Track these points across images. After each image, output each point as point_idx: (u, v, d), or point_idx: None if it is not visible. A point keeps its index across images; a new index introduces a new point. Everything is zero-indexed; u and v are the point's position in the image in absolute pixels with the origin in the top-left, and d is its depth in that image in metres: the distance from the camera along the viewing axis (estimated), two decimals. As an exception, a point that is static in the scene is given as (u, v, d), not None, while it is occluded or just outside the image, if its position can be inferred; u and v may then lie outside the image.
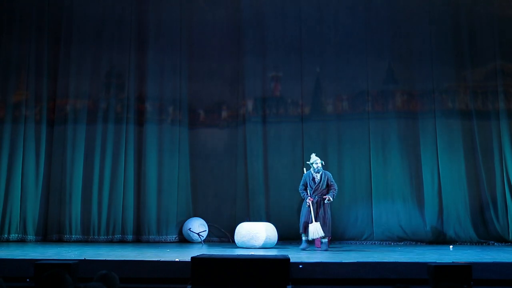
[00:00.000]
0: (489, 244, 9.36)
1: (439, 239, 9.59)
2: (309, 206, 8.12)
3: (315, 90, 10.41)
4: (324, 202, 8.14)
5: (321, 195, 8.22)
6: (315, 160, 8.41)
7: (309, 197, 8.20)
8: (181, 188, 10.26)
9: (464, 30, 10.12)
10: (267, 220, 9.56)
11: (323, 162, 8.45)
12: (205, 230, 9.90)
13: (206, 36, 10.66)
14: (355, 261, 6.06)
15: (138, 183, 10.18)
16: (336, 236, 9.47)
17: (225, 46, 10.65)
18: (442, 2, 10.28)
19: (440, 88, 10.09)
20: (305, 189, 8.38)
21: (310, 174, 8.39)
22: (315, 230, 7.95)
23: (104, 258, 6.38)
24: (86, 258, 5.99)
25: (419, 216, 9.81)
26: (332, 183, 8.35)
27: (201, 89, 10.60)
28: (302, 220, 8.24)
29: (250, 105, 10.46)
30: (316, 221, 8.04)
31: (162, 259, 6.26)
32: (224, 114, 10.58)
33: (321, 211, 8.13)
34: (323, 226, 7.99)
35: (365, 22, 10.38)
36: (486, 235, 9.57)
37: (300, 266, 5.59)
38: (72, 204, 9.93)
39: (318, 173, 8.34)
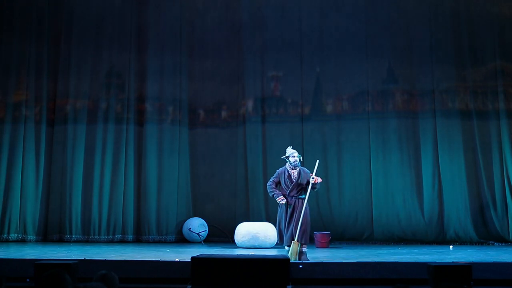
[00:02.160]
0: (489, 244, 9.36)
1: (439, 239, 9.60)
2: (285, 209, 6.91)
3: (315, 90, 10.41)
4: (302, 204, 6.88)
5: (299, 195, 7.00)
6: (292, 153, 7.19)
7: (279, 197, 6.97)
8: (181, 188, 10.26)
9: (464, 30, 10.12)
10: (267, 220, 9.56)
11: (301, 157, 7.30)
12: (205, 230, 9.90)
13: (206, 36, 10.67)
14: (355, 261, 6.06)
15: (138, 183, 10.18)
16: (336, 236, 9.48)
17: (225, 46, 10.65)
18: (442, 2, 10.28)
19: (440, 88, 10.09)
20: (276, 187, 7.18)
21: (286, 171, 7.15)
22: (294, 252, 6.64)
23: (104, 258, 6.38)
24: (86, 258, 5.98)
25: (419, 216, 9.81)
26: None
27: (201, 89, 10.60)
28: (280, 227, 6.98)
29: (250, 105, 10.46)
30: (291, 224, 6.82)
31: (162, 259, 6.26)
32: (224, 114, 10.58)
33: (298, 214, 6.85)
34: (302, 233, 6.75)
35: (365, 22, 10.38)
36: (486, 235, 9.57)
37: (300, 266, 5.60)
38: (72, 204, 9.93)
39: (295, 169, 7.11)
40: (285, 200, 6.93)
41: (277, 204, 7.04)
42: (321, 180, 7.09)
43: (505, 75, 9.97)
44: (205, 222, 9.97)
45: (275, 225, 8.24)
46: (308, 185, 6.96)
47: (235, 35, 10.65)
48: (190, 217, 10.14)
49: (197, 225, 9.84)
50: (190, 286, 5.18)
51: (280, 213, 7.01)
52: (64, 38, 10.42)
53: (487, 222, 9.64)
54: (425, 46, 10.18)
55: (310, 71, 10.45)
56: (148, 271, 5.71)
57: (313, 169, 7.00)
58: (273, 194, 7.09)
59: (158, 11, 10.62)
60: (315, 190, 7.14)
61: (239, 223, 9.29)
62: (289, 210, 6.91)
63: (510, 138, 9.76)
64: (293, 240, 6.69)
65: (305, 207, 6.83)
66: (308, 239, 6.92)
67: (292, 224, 6.84)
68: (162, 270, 5.74)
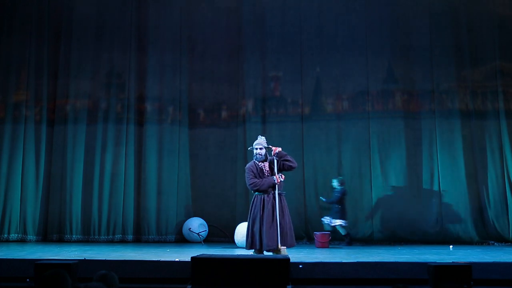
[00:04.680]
0: (489, 244, 9.36)
1: (439, 239, 9.59)
2: (260, 208, 6.33)
3: (315, 90, 10.41)
4: (281, 200, 6.42)
5: (277, 189, 6.49)
6: (257, 145, 6.62)
7: (276, 176, 6.35)
8: (181, 188, 10.26)
9: (464, 30, 10.13)
10: (267, 220, 9.54)
11: (270, 147, 6.70)
12: (205, 230, 9.90)
13: (206, 36, 10.67)
14: (355, 261, 6.06)
15: (138, 183, 10.18)
16: (336, 236, 9.47)
17: (225, 46, 10.65)
18: (442, 2, 10.28)
19: (440, 88, 10.10)
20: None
21: (256, 165, 6.65)
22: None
23: (104, 258, 6.38)
24: (86, 258, 5.98)
25: (419, 216, 9.80)
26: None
27: (201, 89, 10.60)
28: (254, 229, 6.45)
29: (250, 105, 10.46)
30: (271, 225, 6.35)
31: (162, 259, 6.26)
32: (224, 114, 10.58)
33: (279, 212, 6.42)
34: (282, 234, 6.40)
35: (365, 22, 10.38)
36: (486, 235, 9.57)
37: (300, 266, 5.59)
38: (72, 204, 9.93)
39: (263, 162, 6.56)
40: (280, 179, 6.33)
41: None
42: (280, 149, 6.56)
43: (505, 75, 9.98)
44: (205, 222, 9.97)
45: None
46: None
47: (235, 35, 10.65)
48: (190, 217, 10.13)
49: (197, 225, 9.84)
50: (190, 286, 5.19)
51: (255, 213, 6.51)
52: (64, 38, 10.42)
53: (487, 222, 9.64)
54: (425, 46, 10.18)
55: (310, 71, 10.44)
56: (148, 271, 5.71)
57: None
58: (262, 184, 6.48)
59: (158, 11, 10.62)
60: (289, 165, 6.49)
61: (239, 223, 9.29)
62: (267, 209, 6.42)
63: (510, 138, 9.76)
64: (277, 244, 6.30)
65: (284, 202, 6.35)
66: (294, 239, 6.60)
67: (273, 225, 6.36)
68: (162, 270, 5.75)
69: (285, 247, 6.32)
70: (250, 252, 7.09)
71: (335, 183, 9.40)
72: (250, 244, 6.60)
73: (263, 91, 10.46)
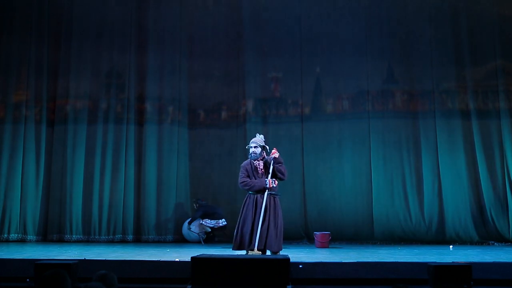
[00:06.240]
0: (489, 244, 9.36)
1: (439, 239, 9.59)
2: (253, 207, 6.30)
3: (315, 90, 10.41)
4: (275, 202, 6.40)
5: (270, 190, 6.45)
6: (253, 143, 6.60)
7: (269, 180, 6.31)
8: (180, 188, 10.27)
9: (464, 30, 10.12)
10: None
11: (267, 147, 6.73)
12: (205, 230, 9.89)
13: (206, 36, 10.67)
14: (355, 261, 6.05)
15: (138, 183, 10.18)
16: (336, 236, 9.47)
17: (225, 46, 10.65)
18: (442, 2, 10.28)
19: (440, 88, 10.09)
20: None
21: (251, 163, 6.57)
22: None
23: (104, 258, 6.38)
24: (86, 258, 5.98)
25: (419, 216, 9.81)
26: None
27: (201, 89, 10.60)
28: (244, 229, 6.35)
29: (250, 105, 10.46)
30: (263, 227, 6.24)
31: (162, 259, 6.26)
32: (224, 114, 10.58)
33: (270, 214, 6.35)
34: (274, 238, 6.31)
35: (365, 22, 10.38)
36: (486, 235, 9.57)
37: (300, 266, 5.59)
38: (72, 204, 9.93)
39: (256, 160, 6.52)
40: (272, 184, 6.38)
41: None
42: (278, 155, 6.58)
43: (505, 74, 9.97)
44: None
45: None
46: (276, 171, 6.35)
47: (235, 35, 10.65)
48: (190, 217, 10.13)
49: (197, 225, 9.84)
50: (190, 286, 5.18)
51: (246, 213, 6.48)
52: (64, 38, 10.42)
53: (487, 222, 9.64)
54: (425, 46, 10.18)
55: (310, 71, 10.44)
56: (148, 271, 5.71)
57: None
58: (253, 185, 6.47)
59: (158, 11, 10.62)
60: (280, 177, 6.52)
61: (239, 223, 9.27)
62: (259, 209, 6.37)
63: (510, 137, 9.76)
64: (260, 245, 6.25)
65: (277, 204, 6.37)
66: (281, 245, 6.55)
67: (264, 227, 6.30)
68: (162, 270, 5.74)
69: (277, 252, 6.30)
70: (237, 252, 6.79)
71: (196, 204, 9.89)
72: (238, 244, 6.51)
73: (263, 92, 10.46)
